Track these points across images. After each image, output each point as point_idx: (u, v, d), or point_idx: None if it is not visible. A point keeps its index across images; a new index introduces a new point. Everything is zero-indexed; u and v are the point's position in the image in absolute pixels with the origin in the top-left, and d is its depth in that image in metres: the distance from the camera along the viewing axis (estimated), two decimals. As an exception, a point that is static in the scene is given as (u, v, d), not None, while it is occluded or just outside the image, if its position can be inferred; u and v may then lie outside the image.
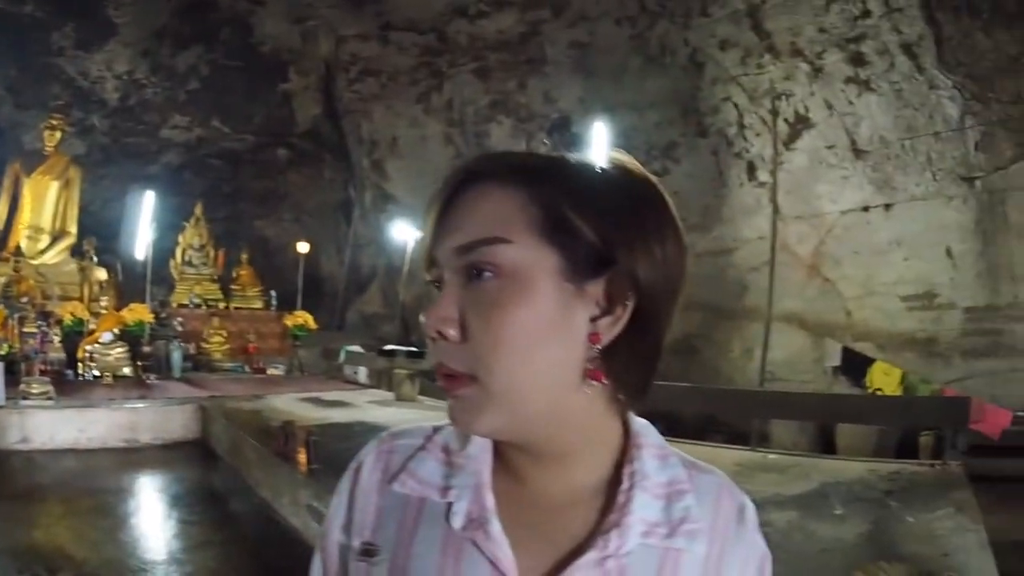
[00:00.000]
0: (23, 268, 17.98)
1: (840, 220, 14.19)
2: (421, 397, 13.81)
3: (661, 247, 0.89)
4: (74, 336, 16.60)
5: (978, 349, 12.41)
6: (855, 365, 10.85)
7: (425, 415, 11.08)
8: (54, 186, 19.50)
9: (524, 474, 0.94)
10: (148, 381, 15.72)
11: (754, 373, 12.45)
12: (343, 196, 24.47)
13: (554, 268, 0.85)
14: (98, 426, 11.86)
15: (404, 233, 18.16)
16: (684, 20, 15.45)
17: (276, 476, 8.76)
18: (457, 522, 0.91)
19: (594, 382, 0.88)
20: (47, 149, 19.36)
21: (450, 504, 0.93)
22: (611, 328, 0.88)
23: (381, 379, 16.32)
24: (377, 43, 20.05)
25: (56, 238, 19.66)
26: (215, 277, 21.79)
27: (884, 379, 10.19)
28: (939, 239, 12.85)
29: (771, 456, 8.97)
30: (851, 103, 13.59)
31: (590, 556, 0.88)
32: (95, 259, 19.30)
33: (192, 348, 19.23)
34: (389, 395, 14.40)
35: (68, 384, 14.57)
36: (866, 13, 12.68)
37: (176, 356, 17.59)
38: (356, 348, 17.79)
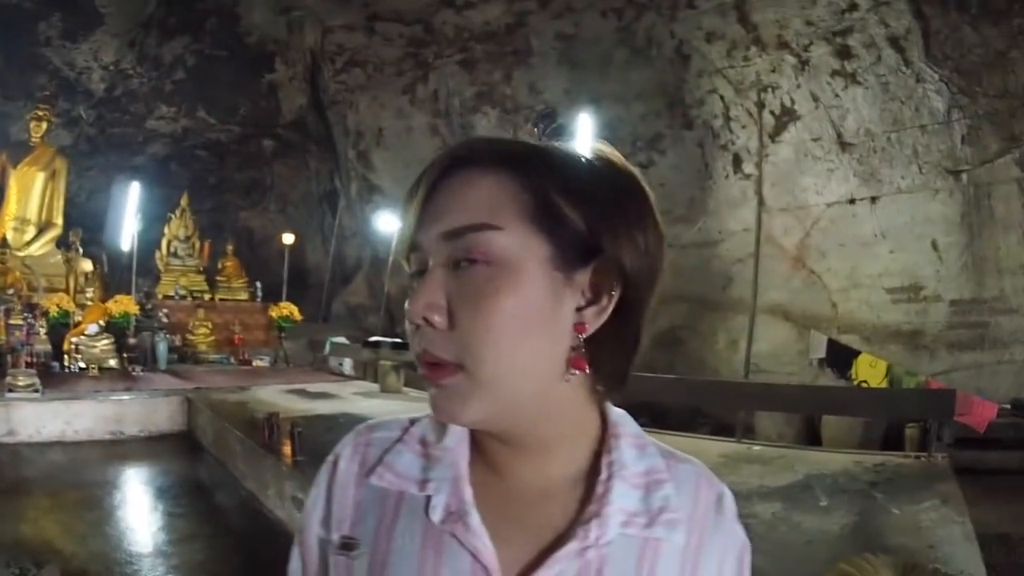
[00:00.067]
0: (9, 260, 17.95)
1: (826, 212, 14.21)
2: (406, 388, 13.82)
3: (644, 237, 0.90)
4: (60, 328, 16.56)
5: (963, 342, 12.45)
6: (840, 357, 10.89)
7: (410, 406, 11.07)
8: (40, 177, 19.42)
9: (502, 465, 0.94)
10: (134, 373, 15.68)
11: (739, 365, 12.45)
12: (328, 187, 24.42)
13: (543, 256, 0.85)
14: (84, 418, 11.85)
15: (390, 224, 18.11)
16: (670, 12, 15.43)
17: (261, 468, 8.75)
18: (436, 515, 0.91)
19: (577, 371, 0.88)
20: (33, 140, 19.28)
21: (429, 497, 0.93)
22: (597, 318, 0.88)
23: (366, 370, 16.36)
24: (363, 34, 20.00)
25: (42, 230, 19.59)
26: (201, 268, 21.77)
27: (869, 371, 10.23)
28: (925, 232, 12.88)
29: (756, 448, 8.99)
30: (837, 96, 13.60)
31: (571, 547, 0.88)
32: (81, 250, 19.21)
33: (178, 340, 19.23)
34: (374, 386, 14.42)
35: (54, 376, 14.55)
36: (853, 6, 12.68)
37: (162, 348, 17.57)
38: (341, 339, 17.80)
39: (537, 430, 0.91)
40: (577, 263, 0.86)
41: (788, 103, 14.30)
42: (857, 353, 10.76)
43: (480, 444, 0.96)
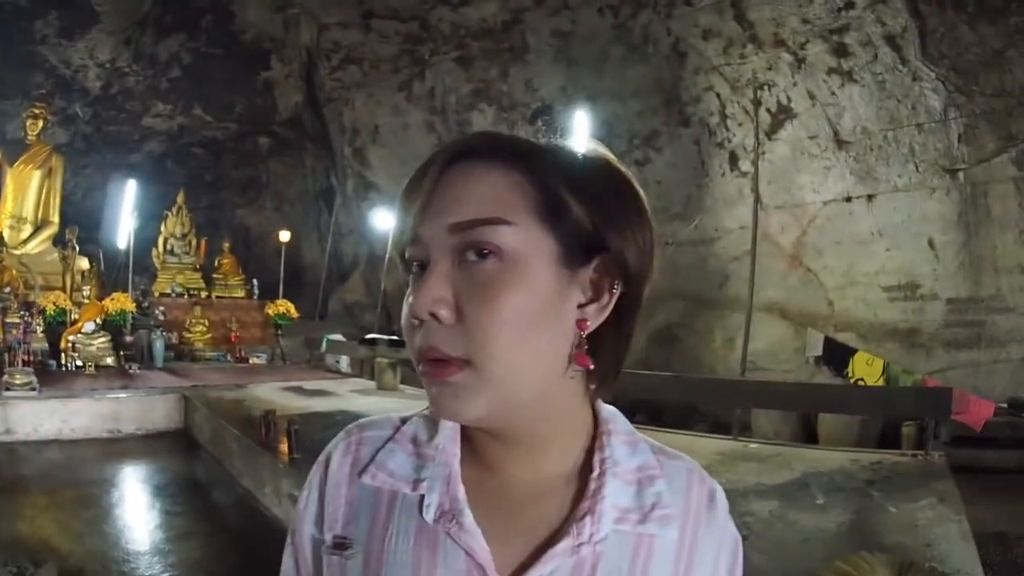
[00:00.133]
0: (5, 258, 17.93)
1: (822, 210, 14.22)
2: (403, 386, 13.81)
3: (642, 235, 0.90)
4: (57, 326, 16.56)
5: (960, 340, 12.46)
6: (837, 355, 10.86)
7: (407, 403, 11.06)
8: (36, 175, 19.46)
9: (496, 462, 0.94)
10: (131, 371, 15.68)
11: (735, 362, 12.45)
12: (325, 184, 24.41)
13: (550, 252, 0.85)
14: (81, 417, 11.84)
15: (386, 221, 18.07)
16: (667, 9, 15.43)
17: (258, 465, 8.75)
18: (430, 515, 0.90)
19: (581, 367, 0.88)
20: (29, 138, 19.34)
21: (422, 496, 0.93)
22: (598, 315, 0.89)
23: (363, 368, 16.35)
24: (359, 31, 20.00)
25: (38, 228, 19.64)
26: (197, 266, 21.81)
27: (866, 369, 10.21)
28: (921, 230, 12.89)
29: (752, 446, 8.98)
30: (834, 94, 13.61)
31: (565, 544, 0.88)
32: (77, 248, 19.21)
33: (174, 337, 19.23)
34: (371, 384, 14.42)
35: (51, 374, 14.56)
36: (850, 4, 12.68)
37: (158, 345, 17.56)
38: (338, 337, 17.78)
39: (534, 427, 0.91)
40: (581, 260, 0.87)
41: (784, 101, 14.31)
42: (854, 351, 10.73)
43: (473, 441, 0.96)
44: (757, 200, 12.60)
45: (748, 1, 13.97)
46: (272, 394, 13.03)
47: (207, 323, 20.09)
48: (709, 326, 15.66)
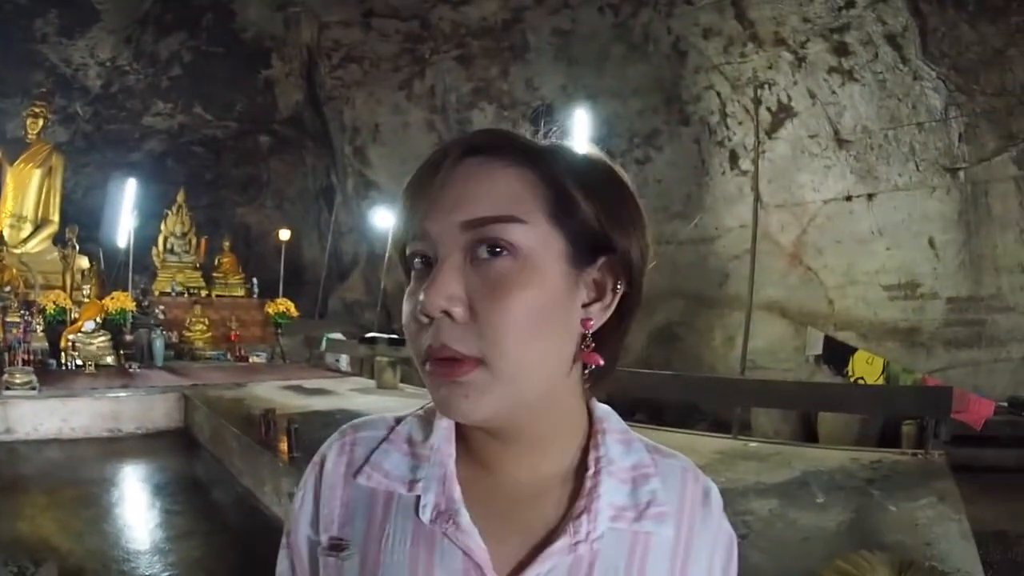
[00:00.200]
0: (5, 257, 17.95)
1: (822, 209, 14.21)
2: (402, 384, 13.83)
3: (642, 236, 0.91)
4: (57, 325, 16.57)
5: (960, 339, 12.45)
6: (837, 354, 10.86)
7: (407, 402, 11.03)
8: (36, 174, 19.46)
9: (492, 461, 0.94)
10: (131, 370, 15.69)
11: (735, 361, 12.44)
12: (325, 183, 24.41)
13: (560, 251, 0.85)
14: (81, 416, 11.86)
15: (386, 220, 18.08)
16: (667, 8, 15.43)
17: (258, 464, 8.76)
18: (426, 515, 0.90)
19: (588, 366, 0.89)
20: (29, 137, 19.35)
21: (418, 497, 0.92)
22: (602, 314, 0.89)
23: (363, 366, 16.36)
24: (359, 29, 19.99)
25: (38, 227, 19.65)
26: (197, 265, 21.83)
27: (866, 368, 10.21)
28: (922, 229, 12.88)
29: (752, 444, 8.99)
30: (834, 93, 13.60)
31: (562, 542, 0.88)
32: (77, 247, 19.23)
33: (174, 336, 19.26)
34: (371, 382, 14.44)
35: (51, 374, 14.58)
36: (850, 3, 12.67)
37: (158, 344, 17.57)
38: (338, 336, 17.78)
39: (535, 426, 0.91)
40: (588, 259, 0.87)
41: (785, 100, 14.31)
42: (854, 350, 10.73)
43: (469, 440, 0.95)
44: (757, 199, 12.59)
45: (748, 0, 13.97)
46: (272, 393, 13.05)
47: (207, 322, 20.12)
48: (709, 325, 15.66)
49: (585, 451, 0.96)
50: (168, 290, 20.66)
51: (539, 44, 17.92)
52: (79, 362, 15.86)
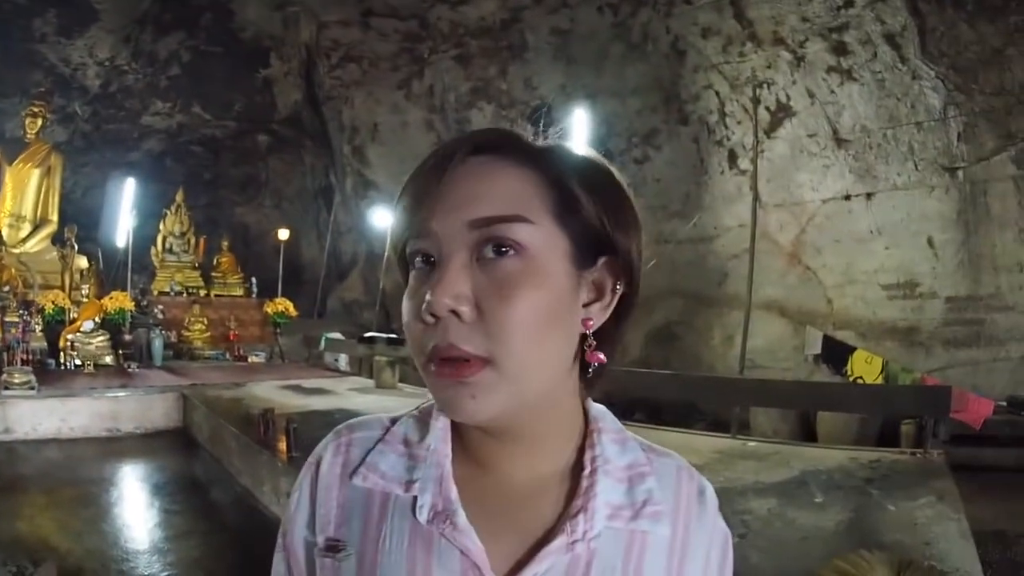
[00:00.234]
0: (4, 257, 17.92)
1: (821, 209, 14.21)
2: (401, 384, 13.83)
3: (640, 237, 0.92)
4: (55, 325, 16.57)
5: (959, 339, 12.45)
6: (836, 353, 10.85)
7: (405, 402, 11.02)
8: (35, 174, 19.46)
9: (490, 461, 0.94)
10: (130, 370, 15.70)
11: (734, 361, 12.44)
12: (324, 183, 24.41)
13: (564, 251, 0.86)
14: (80, 415, 11.87)
15: (385, 220, 18.07)
16: (666, 8, 15.42)
17: (257, 464, 8.76)
18: (423, 516, 0.90)
19: (592, 364, 0.90)
20: (28, 136, 19.35)
21: (415, 498, 0.92)
22: (602, 314, 0.90)
23: (362, 366, 16.36)
24: (358, 29, 19.98)
25: (37, 226, 19.64)
26: (196, 264, 21.84)
27: (865, 367, 10.21)
28: (921, 229, 12.89)
29: (751, 444, 9.00)
30: (833, 92, 13.60)
31: (559, 541, 0.88)
32: (76, 247, 19.23)
33: (173, 336, 19.28)
34: (370, 382, 14.44)
35: (50, 373, 14.59)
36: (849, 3, 12.67)
37: (157, 344, 17.59)
38: (337, 335, 17.80)
39: (534, 426, 0.91)
40: (590, 259, 0.88)
41: (784, 99, 14.30)
42: (853, 349, 10.72)
43: (466, 440, 0.95)
44: (756, 198, 12.59)
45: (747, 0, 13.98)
46: (271, 392, 13.05)
47: (206, 321, 20.13)
48: (708, 324, 15.67)
49: (581, 450, 0.96)
50: (167, 290, 20.68)
51: (538, 44, 17.92)
52: (78, 362, 15.85)
